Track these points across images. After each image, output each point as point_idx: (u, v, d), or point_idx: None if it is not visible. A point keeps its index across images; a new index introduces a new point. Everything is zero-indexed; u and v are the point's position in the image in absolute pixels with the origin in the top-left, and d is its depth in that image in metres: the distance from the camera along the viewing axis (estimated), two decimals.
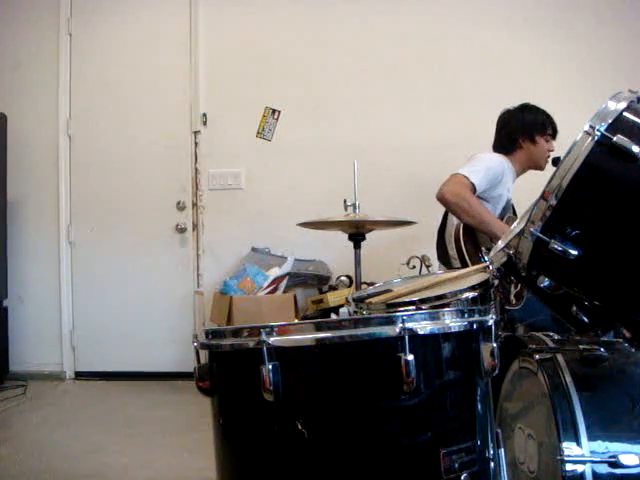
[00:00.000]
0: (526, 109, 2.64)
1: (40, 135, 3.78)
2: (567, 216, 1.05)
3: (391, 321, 0.98)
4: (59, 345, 3.75)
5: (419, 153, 3.45)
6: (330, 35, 3.65)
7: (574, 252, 1.04)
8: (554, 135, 2.64)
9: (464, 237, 2.37)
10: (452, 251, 2.45)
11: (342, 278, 3.34)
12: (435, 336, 1.01)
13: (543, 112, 2.63)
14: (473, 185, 2.41)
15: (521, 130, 2.62)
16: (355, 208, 2.31)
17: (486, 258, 1.50)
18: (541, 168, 2.67)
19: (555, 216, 1.04)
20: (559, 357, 1.25)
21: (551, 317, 1.60)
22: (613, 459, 1.10)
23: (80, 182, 3.78)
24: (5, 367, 3.57)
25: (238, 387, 1.07)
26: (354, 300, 1.58)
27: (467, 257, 2.31)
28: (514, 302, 1.80)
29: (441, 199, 2.41)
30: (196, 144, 3.72)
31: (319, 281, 3.58)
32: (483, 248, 2.29)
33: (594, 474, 1.11)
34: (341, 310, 3.05)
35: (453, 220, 2.52)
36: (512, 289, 1.79)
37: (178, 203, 3.71)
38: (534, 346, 1.32)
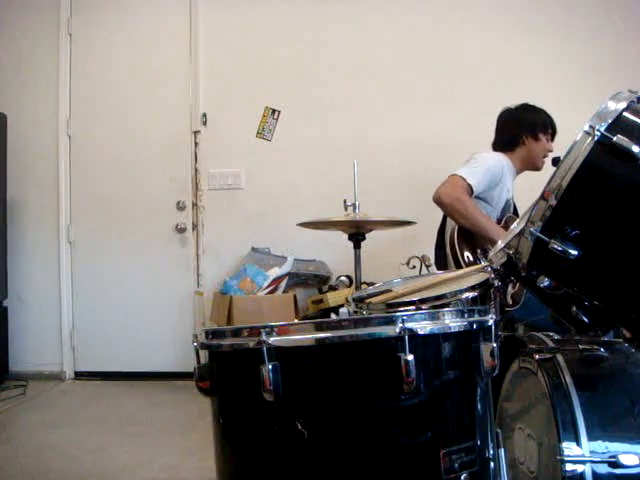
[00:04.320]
0: (528, 108, 2.65)
1: (40, 135, 3.78)
2: (567, 216, 1.05)
3: (391, 321, 0.98)
4: (59, 345, 3.75)
5: (419, 153, 3.46)
6: (330, 35, 3.65)
7: (574, 252, 1.04)
8: (554, 135, 2.65)
9: (459, 239, 2.36)
10: (448, 251, 2.45)
11: (342, 278, 3.34)
12: (435, 336, 1.01)
13: (544, 112, 2.64)
14: (470, 186, 2.40)
15: (524, 127, 2.62)
16: (355, 208, 2.31)
17: (481, 260, 1.50)
18: (538, 168, 2.67)
19: (555, 216, 1.04)
20: (559, 357, 1.25)
21: (551, 317, 1.60)
22: (613, 459, 1.10)
23: (80, 182, 3.78)
24: (5, 367, 3.57)
25: (238, 387, 1.07)
26: (354, 300, 1.58)
27: (461, 259, 2.30)
28: (511, 303, 1.81)
29: (437, 201, 2.41)
30: (196, 144, 3.72)
31: (319, 281, 3.58)
32: (478, 250, 2.29)
33: (594, 474, 1.11)
34: (341, 310, 3.05)
35: (451, 221, 2.52)
36: (510, 290, 1.80)
37: (178, 203, 3.71)
38: (534, 346, 1.32)
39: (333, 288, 3.41)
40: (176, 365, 3.54)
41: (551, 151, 2.63)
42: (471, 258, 2.31)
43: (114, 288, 3.74)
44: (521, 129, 2.63)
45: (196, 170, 3.72)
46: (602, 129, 1.01)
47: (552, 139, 2.65)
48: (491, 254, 1.45)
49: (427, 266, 2.63)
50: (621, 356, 1.31)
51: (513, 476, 1.32)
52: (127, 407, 3.11)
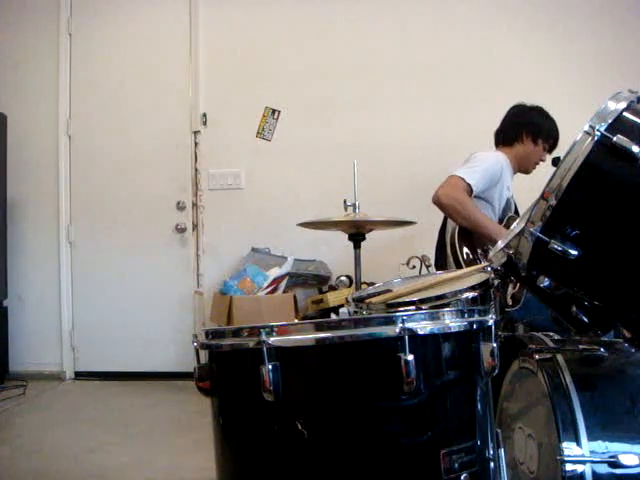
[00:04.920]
0: (540, 111, 2.65)
1: (40, 135, 3.78)
2: (567, 216, 1.05)
3: (391, 321, 0.98)
4: (59, 345, 3.75)
5: (419, 153, 3.46)
6: (330, 35, 3.65)
7: (574, 252, 1.04)
8: (552, 148, 2.66)
9: (460, 240, 2.36)
10: (449, 251, 2.45)
11: (342, 278, 3.34)
12: (435, 336, 1.01)
13: (554, 123, 2.64)
14: (470, 186, 2.40)
15: (529, 126, 2.63)
16: (355, 208, 2.31)
17: (481, 260, 1.50)
18: (527, 172, 2.72)
19: (555, 216, 1.04)
20: (559, 357, 1.25)
21: (551, 317, 1.60)
22: (613, 459, 1.10)
23: (80, 182, 3.78)
24: (5, 367, 3.57)
25: (238, 387, 1.07)
26: (354, 300, 1.58)
27: (462, 260, 2.31)
28: (511, 304, 1.81)
29: (436, 202, 2.41)
30: (196, 144, 3.72)
31: (319, 281, 3.58)
32: (479, 250, 2.29)
33: (594, 474, 1.11)
34: (341, 310, 3.05)
35: (452, 221, 2.52)
36: (510, 290, 1.79)
37: (178, 203, 3.71)
38: (534, 346, 1.32)
39: (333, 288, 3.41)
40: (176, 365, 3.54)
41: (544, 161, 2.66)
42: (471, 257, 2.31)
43: (114, 288, 3.73)
44: (525, 127, 2.63)
45: (196, 170, 3.72)
46: (602, 129, 1.01)
47: (550, 151, 2.66)
48: (491, 254, 1.45)
49: (427, 266, 2.63)
50: (621, 356, 1.31)
51: (513, 476, 1.32)
52: (127, 407, 3.11)
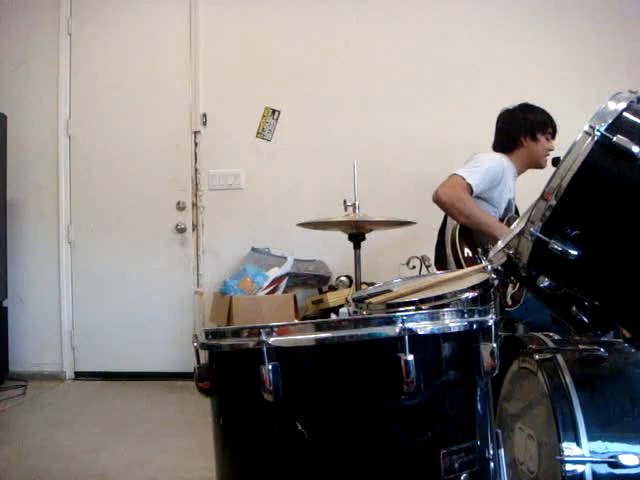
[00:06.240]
0: (526, 108, 2.65)
1: (40, 135, 3.78)
2: (567, 216, 1.05)
3: (391, 321, 0.97)
4: (59, 345, 3.75)
5: (419, 153, 3.46)
6: (330, 35, 3.65)
7: (574, 252, 1.04)
8: (554, 134, 2.64)
9: (460, 238, 2.36)
10: (449, 250, 2.45)
11: (342, 278, 3.34)
12: (435, 336, 1.01)
13: (543, 111, 2.64)
14: (470, 186, 2.40)
15: (523, 128, 2.62)
16: (355, 208, 2.31)
17: (482, 259, 1.50)
18: (541, 166, 2.67)
19: (555, 216, 1.04)
20: (559, 357, 1.25)
21: (551, 317, 1.60)
22: (613, 459, 1.10)
23: (80, 182, 3.78)
24: (5, 367, 3.57)
25: (238, 387, 1.07)
26: (354, 300, 1.58)
27: (462, 259, 2.31)
28: (510, 304, 1.80)
29: (437, 200, 2.41)
30: (196, 144, 3.72)
31: (319, 281, 3.58)
32: (479, 249, 2.29)
33: (594, 474, 1.11)
34: (341, 310, 3.05)
35: (452, 220, 2.52)
36: (510, 290, 1.79)
37: (178, 203, 3.71)
38: (534, 346, 1.32)
39: (333, 288, 3.41)
40: (176, 365, 3.54)
41: (552, 150, 2.63)
42: (472, 256, 2.31)
43: (114, 288, 3.74)
44: (519, 130, 2.63)
45: (196, 170, 3.72)
46: (602, 129, 1.00)
47: (553, 137, 2.64)
48: (491, 254, 1.44)
49: (427, 266, 2.63)
50: (621, 356, 1.31)
51: (513, 476, 1.32)
52: (127, 407, 3.11)
